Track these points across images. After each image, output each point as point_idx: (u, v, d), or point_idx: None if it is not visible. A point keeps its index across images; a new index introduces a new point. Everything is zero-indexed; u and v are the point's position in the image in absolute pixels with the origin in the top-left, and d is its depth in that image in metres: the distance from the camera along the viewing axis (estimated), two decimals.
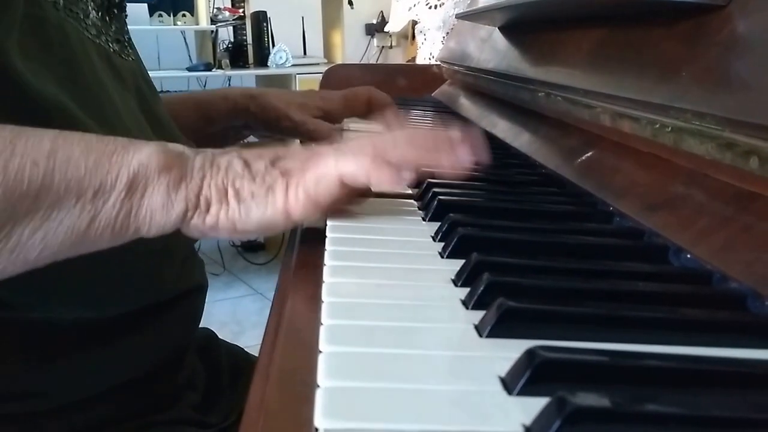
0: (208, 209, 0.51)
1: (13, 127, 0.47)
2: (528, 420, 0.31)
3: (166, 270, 0.68)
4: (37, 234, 0.46)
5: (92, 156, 0.48)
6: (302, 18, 3.85)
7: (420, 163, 0.58)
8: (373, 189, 0.55)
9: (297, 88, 3.42)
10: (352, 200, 0.61)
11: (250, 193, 0.52)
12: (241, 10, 3.53)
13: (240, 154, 0.54)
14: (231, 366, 0.90)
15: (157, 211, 0.50)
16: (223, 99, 1.05)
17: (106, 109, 0.63)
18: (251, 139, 1.15)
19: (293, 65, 3.52)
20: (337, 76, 1.65)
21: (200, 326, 0.94)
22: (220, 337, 0.96)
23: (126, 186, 0.48)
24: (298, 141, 1.04)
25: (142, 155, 0.50)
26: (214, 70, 3.38)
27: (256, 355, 0.45)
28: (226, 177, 0.52)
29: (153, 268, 0.65)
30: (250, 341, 2.54)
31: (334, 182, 0.53)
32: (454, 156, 0.58)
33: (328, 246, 0.53)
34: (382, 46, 4.45)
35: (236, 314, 3.01)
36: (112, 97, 0.65)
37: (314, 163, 0.54)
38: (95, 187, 0.48)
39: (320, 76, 1.71)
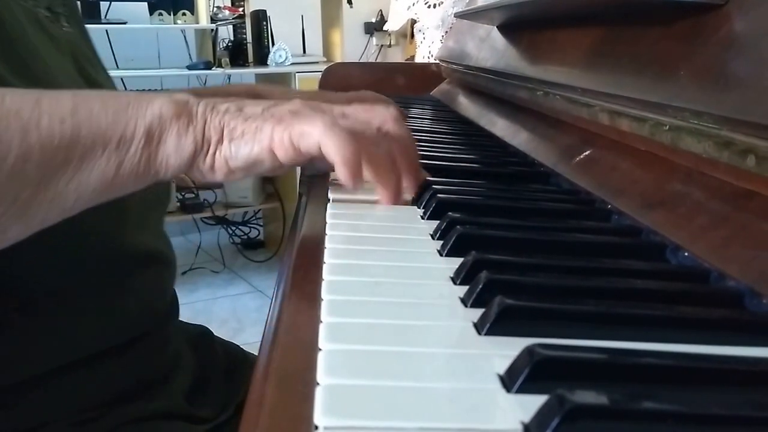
0: (209, 149, 0.56)
1: (33, 90, 0.51)
2: (527, 417, 0.31)
3: (120, 231, 0.69)
4: (71, 184, 0.51)
5: (110, 110, 0.53)
6: (302, 17, 3.85)
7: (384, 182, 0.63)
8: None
9: (296, 87, 3.41)
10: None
11: (241, 132, 0.57)
12: (240, 9, 3.52)
13: (238, 102, 0.59)
14: (227, 362, 0.90)
15: (172, 155, 0.55)
16: (226, 95, 1.05)
17: (32, 65, 0.64)
18: None
19: (293, 64, 3.52)
20: (336, 75, 1.65)
21: (196, 323, 0.94)
22: (220, 334, 0.97)
23: (144, 135, 0.54)
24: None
25: (154, 107, 0.55)
26: (214, 68, 3.37)
27: (256, 352, 0.45)
28: (223, 118, 0.57)
29: (107, 229, 0.66)
30: (250, 338, 2.56)
31: (314, 146, 0.57)
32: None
33: (327, 244, 0.54)
34: (381, 45, 4.45)
35: (236, 311, 3.02)
36: (41, 56, 0.66)
37: (305, 119, 0.58)
38: (117, 138, 0.53)
39: (320, 74, 1.71)
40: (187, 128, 0.55)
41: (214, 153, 0.56)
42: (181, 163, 0.56)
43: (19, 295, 0.62)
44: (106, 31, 3.26)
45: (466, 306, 0.44)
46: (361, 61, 4.19)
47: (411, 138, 0.68)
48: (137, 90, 2.41)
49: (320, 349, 0.36)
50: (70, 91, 0.53)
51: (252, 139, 0.57)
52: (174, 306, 0.83)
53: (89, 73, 0.75)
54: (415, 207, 0.66)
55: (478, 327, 0.40)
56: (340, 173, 0.57)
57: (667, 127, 0.59)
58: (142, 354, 0.73)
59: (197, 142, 0.56)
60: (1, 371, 0.63)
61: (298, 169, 0.77)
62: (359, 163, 0.57)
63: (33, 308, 0.63)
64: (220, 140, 0.56)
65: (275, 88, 1.09)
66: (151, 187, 0.57)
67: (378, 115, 0.66)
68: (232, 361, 0.92)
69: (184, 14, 3.35)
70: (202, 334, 0.93)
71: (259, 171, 0.58)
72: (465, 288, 0.45)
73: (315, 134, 0.56)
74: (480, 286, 0.44)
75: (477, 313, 0.41)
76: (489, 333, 0.39)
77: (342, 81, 1.63)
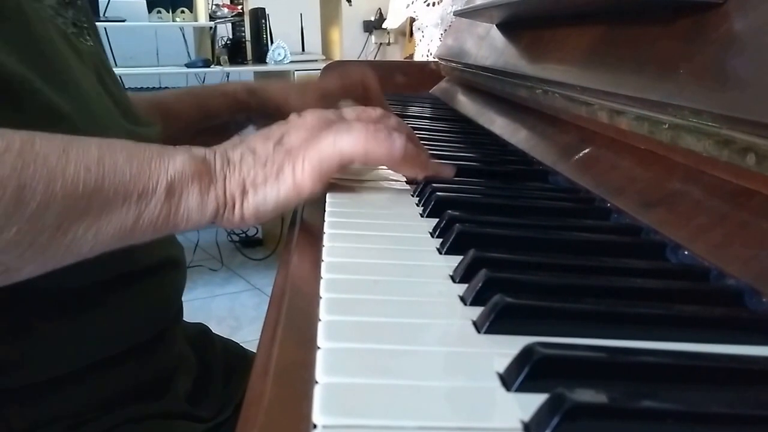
0: (234, 204, 0.58)
1: (62, 136, 0.52)
2: (526, 416, 0.31)
3: None
4: (90, 231, 0.52)
5: (134, 163, 0.54)
6: (300, 15, 3.85)
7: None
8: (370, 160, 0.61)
9: None
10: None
11: (264, 179, 0.58)
12: (239, 7, 3.52)
13: (248, 145, 0.60)
14: (225, 360, 0.90)
15: (193, 211, 0.56)
16: (223, 95, 1.06)
17: (64, 77, 0.65)
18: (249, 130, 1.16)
19: (292, 62, 3.52)
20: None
21: (195, 321, 0.94)
22: (218, 332, 0.97)
23: (165, 190, 0.55)
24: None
25: (177, 163, 0.56)
26: (212, 66, 3.37)
27: (254, 350, 0.45)
28: (241, 171, 0.58)
29: None
30: (248, 336, 2.56)
31: (336, 160, 0.58)
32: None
33: (325, 242, 0.53)
34: (380, 43, 4.45)
35: (234, 309, 3.01)
36: (71, 68, 0.67)
37: (316, 140, 0.59)
38: (139, 191, 0.54)
39: (318, 72, 1.70)
40: (209, 187, 0.57)
41: (242, 204, 0.58)
42: (202, 219, 0.57)
43: (39, 300, 0.62)
44: (105, 28, 3.26)
45: (465, 304, 0.44)
46: (360, 59, 4.19)
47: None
48: (136, 88, 2.40)
49: (319, 348, 0.36)
50: (96, 139, 0.54)
51: (275, 182, 0.58)
52: (180, 307, 0.84)
53: (108, 85, 0.76)
54: (415, 204, 0.66)
55: (478, 325, 0.40)
56: (372, 152, 0.59)
57: (667, 125, 0.59)
58: (151, 356, 0.73)
59: (219, 199, 0.57)
60: (17, 373, 0.63)
61: None
62: (384, 135, 0.59)
63: (52, 313, 0.63)
64: (245, 192, 0.58)
65: (270, 83, 1.09)
66: None
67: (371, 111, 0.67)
68: (231, 359, 0.91)
69: (182, 12, 3.36)
70: (201, 332, 0.93)
71: (289, 209, 0.60)
72: (464, 286, 0.45)
73: (330, 149, 0.58)
74: (479, 285, 0.43)
75: (476, 312, 0.41)
76: (488, 331, 0.39)
77: None
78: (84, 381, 0.66)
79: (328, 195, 0.67)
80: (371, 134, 0.58)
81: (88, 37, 0.77)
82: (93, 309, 0.66)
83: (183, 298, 0.84)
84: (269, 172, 0.58)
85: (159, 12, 3.31)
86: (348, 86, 1.09)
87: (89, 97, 0.68)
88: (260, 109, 1.05)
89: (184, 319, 0.91)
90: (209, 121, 1.06)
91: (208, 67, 3.36)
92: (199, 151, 0.59)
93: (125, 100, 0.79)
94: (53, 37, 0.66)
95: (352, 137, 0.58)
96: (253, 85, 1.09)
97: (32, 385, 0.64)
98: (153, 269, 0.72)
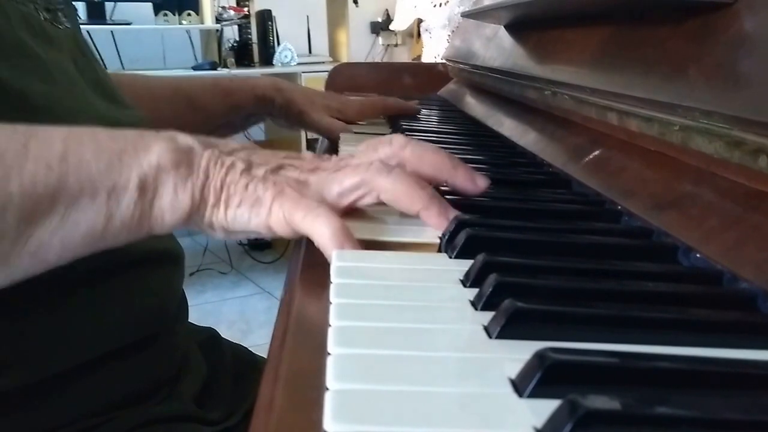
0: (205, 210, 0.53)
1: (25, 129, 0.49)
2: (539, 423, 0.30)
3: None
4: (56, 235, 0.49)
5: (103, 157, 0.50)
6: (307, 17, 3.86)
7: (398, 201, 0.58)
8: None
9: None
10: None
11: (239, 201, 0.54)
12: (246, 9, 3.53)
13: (247, 155, 0.56)
14: (234, 365, 0.90)
15: (167, 212, 0.52)
16: (252, 88, 1.10)
17: (36, 67, 0.64)
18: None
19: (299, 64, 3.53)
20: (342, 75, 1.65)
21: (204, 326, 0.94)
22: (228, 335, 0.97)
23: (137, 188, 0.51)
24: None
25: (151, 156, 0.52)
26: (219, 69, 3.38)
27: (263, 354, 0.45)
28: (224, 179, 0.54)
29: None
30: (258, 340, 2.57)
31: (303, 232, 0.53)
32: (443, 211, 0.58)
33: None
34: (388, 45, 4.45)
35: (244, 313, 3.02)
36: (41, 59, 0.65)
37: (296, 202, 0.54)
38: (108, 189, 0.50)
39: (326, 74, 1.70)
40: (185, 182, 0.52)
41: (212, 215, 0.54)
42: (178, 220, 0.53)
43: (29, 292, 0.61)
44: (111, 31, 3.28)
45: (476, 309, 0.43)
46: (367, 61, 4.19)
47: (430, 147, 0.63)
48: None
49: (329, 354, 0.36)
50: (65, 129, 0.51)
51: (249, 210, 0.53)
52: (183, 307, 0.83)
53: (83, 69, 0.74)
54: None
55: (489, 330, 0.40)
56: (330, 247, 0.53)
57: (677, 127, 0.58)
58: (152, 355, 0.73)
59: (194, 199, 0.53)
60: (11, 373, 0.62)
61: None
62: (340, 238, 0.52)
63: (45, 306, 0.62)
64: (217, 204, 0.53)
65: (296, 86, 1.15)
66: None
67: (382, 152, 0.61)
68: (240, 364, 0.91)
69: (189, 15, 3.37)
70: (210, 336, 0.93)
71: (258, 236, 0.58)
72: (475, 290, 0.45)
73: (306, 224, 0.53)
74: (490, 289, 0.43)
75: (487, 316, 0.41)
76: (500, 336, 0.39)
77: (348, 81, 1.63)
78: (80, 382, 0.65)
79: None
80: (337, 232, 0.52)
81: (64, 19, 0.75)
82: (91, 302, 0.65)
83: (192, 302, 0.84)
84: (248, 197, 0.54)
85: (165, 15, 3.32)
86: (366, 114, 1.19)
87: (63, 85, 0.67)
88: (283, 108, 1.09)
89: (193, 322, 0.91)
90: (235, 114, 1.10)
91: (215, 69, 3.36)
92: (185, 139, 0.54)
93: (105, 81, 0.78)
94: (15, 28, 0.65)
95: (318, 227, 0.52)
96: (281, 83, 1.12)
97: (27, 387, 0.62)
98: (153, 261, 0.71)
